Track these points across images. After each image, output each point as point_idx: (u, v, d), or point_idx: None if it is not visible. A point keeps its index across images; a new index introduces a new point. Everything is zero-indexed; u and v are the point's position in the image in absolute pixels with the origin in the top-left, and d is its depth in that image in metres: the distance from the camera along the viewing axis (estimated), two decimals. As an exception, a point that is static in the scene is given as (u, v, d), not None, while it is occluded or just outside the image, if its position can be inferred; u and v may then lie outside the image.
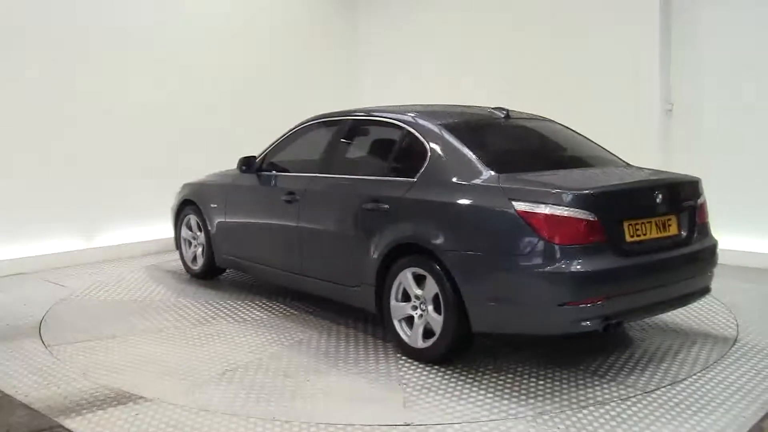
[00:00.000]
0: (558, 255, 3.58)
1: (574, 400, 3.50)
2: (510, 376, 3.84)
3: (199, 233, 6.21)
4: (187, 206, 6.37)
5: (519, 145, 4.78)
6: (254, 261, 5.55)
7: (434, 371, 3.92)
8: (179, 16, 8.00)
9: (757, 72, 6.66)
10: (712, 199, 6.93)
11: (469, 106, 5.18)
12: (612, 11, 7.61)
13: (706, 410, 3.35)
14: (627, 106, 7.51)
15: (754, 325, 4.72)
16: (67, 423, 3.26)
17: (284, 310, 5.27)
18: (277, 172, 5.40)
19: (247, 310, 5.27)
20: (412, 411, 3.40)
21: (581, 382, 3.75)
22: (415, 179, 4.22)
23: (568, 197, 3.63)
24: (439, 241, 3.93)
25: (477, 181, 3.95)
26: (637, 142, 7.44)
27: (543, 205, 3.62)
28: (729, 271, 6.46)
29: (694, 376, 3.80)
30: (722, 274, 6.28)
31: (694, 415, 3.29)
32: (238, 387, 3.70)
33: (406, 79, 9.46)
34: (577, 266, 3.57)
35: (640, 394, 3.56)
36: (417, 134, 4.39)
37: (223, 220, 5.86)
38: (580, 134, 5.00)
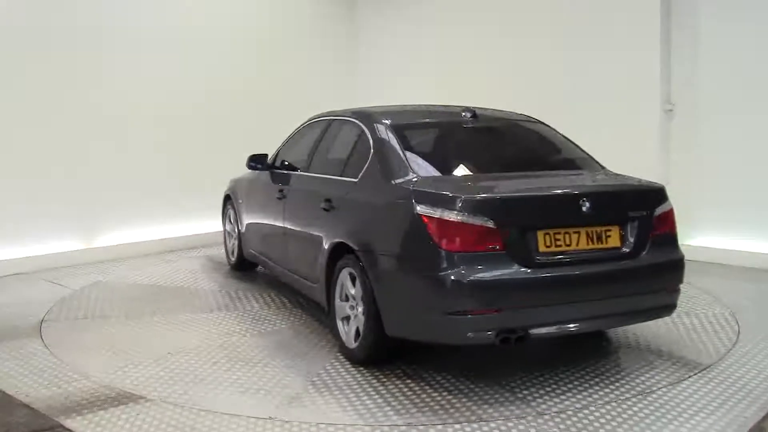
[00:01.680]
0: (448, 262, 3.43)
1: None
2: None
3: (236, 227, 6.52)
4: (228, 201, 6.77)
5: (469, 148, 4.54)
6: (264, 255, 5.79)
7: (349, 370, 3.95)
8: (179, 18, 7.99)
9: (757, 72, 6.66)
10: (713, 199, 7.02)
11: (445, 106, 5.03)
12: (612, 12, 7.61)
13: (707, 410, 3.35)
14: (627, 106, 7.51)
15: (754, 325, 4.72)
16: (68, 423, 3.26)
17: (280, 303, 5.37)
18: (280, 169, 5.54)
19: (248, 305, 5.30)
20: (289, 407, 3.44)
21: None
22: (357, 179, 4.28)
23: (461, 202, 3.48)
24: (361, 242, 3.96)
25: (397, 183, 3.91)
26: (637, 142, 7.44)
27: (438, 210, 3.51)
28: (729, 271, 6.49)
29: (694, 376, 3.80)
30: (722, 274, 6.35)
31: (695, 416, 3.29)
32: (169, 371, 3.90)
33: (406, 79, 9.45)
34: (466, 275, 3.40)
35: (641, 395, 3.56)
36: (367, 134, 4.40)
37: (245, 214, 6.19)
38: (562, 135, 4.80)
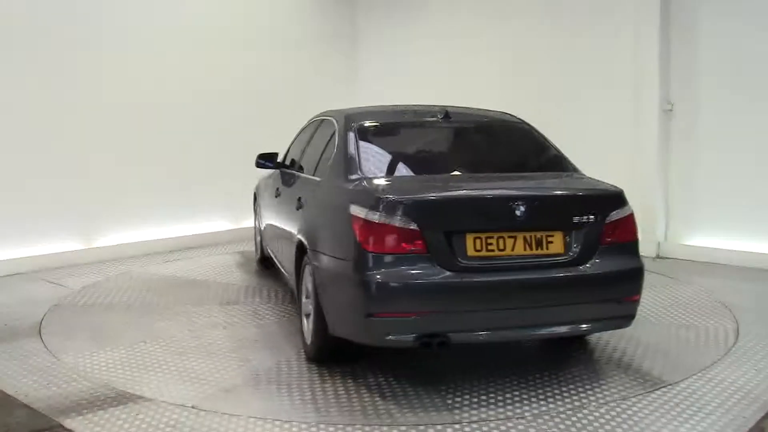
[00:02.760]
0: (370, 263, 3.39)
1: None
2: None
3: (258, 224, 6.76)
4: (255, 199, 6.98)
5: (430, 149, 4.52)
6: (271, 252, 5.94)
7: (299, 367, 4.00)
8: (179, 17, 8.00)
9: (757, 72, 6.66)
10: (712, 199, 7.02)
11: (428, 107, 4.87)
12: (612, 11, 7.61)
13: (706, 410, 3.35)
14: (627, 106, 7.51)
15: (754, 325, 4.72)
16: (67, 423, 3.26)
17: (282, 299, 5.39)
18: (283, 167, 5.59)
19: (250, 300, 5.33)
20: (215, 398, 3.55)
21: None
22: (320, 179, 4.34)
23: (384, 204, 3.44)
24: (311, 240, 4.02)
25: (341, 183, 3.93)
26: (636, 142, 7.45)
27: (364, 210, 3.47)
28: (729, 271, 6.50)
29: (694, 377, 3.80)
30: (722, 274, 6.36)
31: (694, 416, 3.29)
32: (131, 357, 3.97)
33: (406, 78, 9.46)
34: (384, 277, 3.36)
35: (640, 395, 3.55)
36: (336, 134, 4.43)
37: (263, 212, 6.39)
38: (539, 137, 4.56)
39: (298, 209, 4.45)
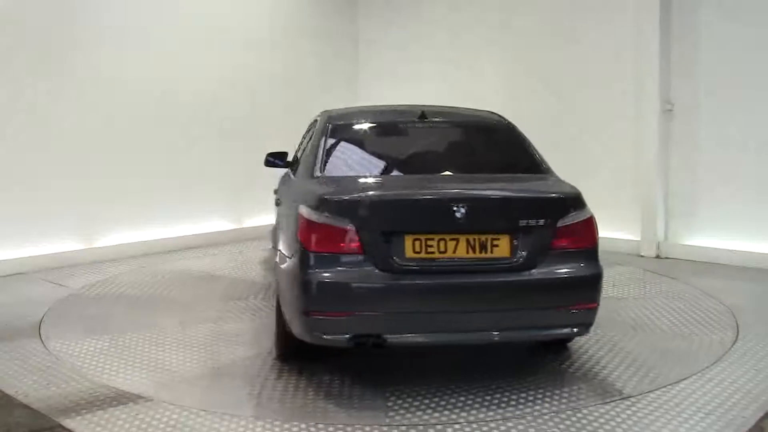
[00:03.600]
0: (308, 261, 3.42)
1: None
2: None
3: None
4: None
5: (397, 149, 4.50)
6: None
7: (260, 362, 4.07)
8: (179, 16, 8.00)
9: (757, 72, 6.66)
10: (712, 199, 7.03)
11: (410, 107, 4.81)
12: (612, 11, 7.62)
13: (706, 410, 3.35)
14: (627, 106, 7.52)
15: (754, 326, 4.72)
16: (67, 423, 3.26)
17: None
18: (285, 166, 5.59)
19: (252, 297, 5.33)
20: (164, 388, 3.69)
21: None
22: (295, 178, 4.42)
23: (322, 203, 3.47)
24: (274, 238, 4.13)
25: (304, 182, 3.98)
26: (637, 142, 7.45)
27: (307, 210, 3.51)
28: (729, 271, 6.50)
29: (694, 376, 3.80)
30: (722, 274, 6.35)
31: (694, 415, 3.29)
32: (109, 346, 3.99)
33: (405, 78, 9.46)
34: (320, 276, 3.37)
35: (640, 395, 3.55)
36: (314, 133, 4.49)
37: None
38: (519, 138, 4.45)
39: (277, 207, 4.58)
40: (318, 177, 3.94)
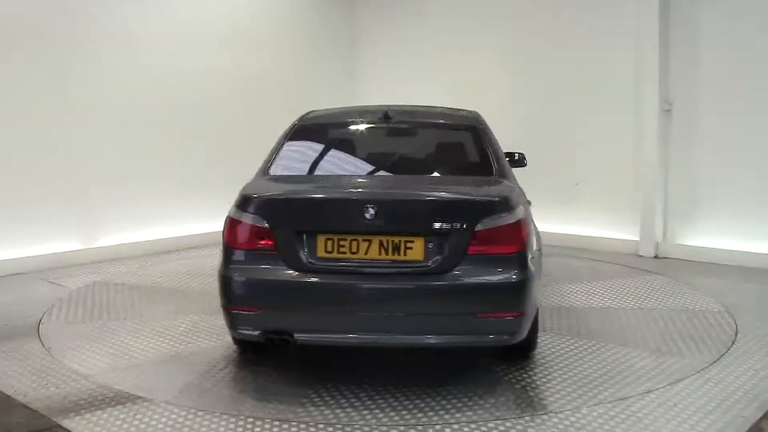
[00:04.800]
0: (228, 258, 3.56)
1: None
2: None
3: None
4: None
5: (352, 149, 4.49)
6: None
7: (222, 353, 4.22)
8: (179, 19, 8.00)
9: (756, 72, 6.66)
10: (712, 199, 7.02)
11: (388, 107, 4.72)
12: (611, 12, 7.62)
13: (705, 410, 3.35)
14: (626, 106, 7.52)
15: (754, 326, 4.72)
16: (66, 423, 3.26)
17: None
18: None
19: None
20: (118, 372, 3.87)
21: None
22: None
23: (241, 201, 3.59)
24: None
25: (250, 181, 4.05)
26: (636, 142, 7.45)
27: (231, 207, 3.64)
28: (729, 271, 6.50)
29: (693, 376, 3.80)
30: (722, 274, 6.35)
31: (693, 415, 3.29)
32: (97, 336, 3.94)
33: (405, 78, 9.46)
34: (235, 272, 3.51)
35: (639, 394, 3.55)
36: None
37: None
38: (483, 141, 4.32)
39: None
40: (264, 176, 4.07)
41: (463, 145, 4.42)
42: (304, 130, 4.48)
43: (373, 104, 5.41)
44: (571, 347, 4.31)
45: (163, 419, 3.30)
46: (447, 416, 3.31)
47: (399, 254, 3.41)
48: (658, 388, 3.63)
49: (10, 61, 6.61)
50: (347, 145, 4.52)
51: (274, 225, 3.47)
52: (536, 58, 8.26)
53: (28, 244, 6.77)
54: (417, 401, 3.48)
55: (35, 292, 5.86)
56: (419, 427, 3.20)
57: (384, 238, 3.41)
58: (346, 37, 10.07)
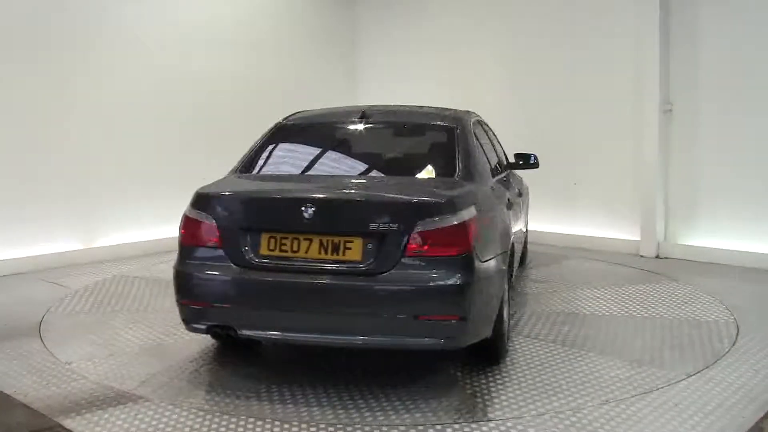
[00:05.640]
0: (180, 253, 3.72)
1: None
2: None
3: None
4: None
5: (322, 149, 4.50)
6: None
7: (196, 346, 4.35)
8: (179, 19, 8.01)
9: (756, 72, 6.66)
10: (712, 199, 7.03)
11: (359, 107, 4.84)
12: (611, 12, 7.62)
13: (706, 410, 3.35)
14: (626, 106, 7.52)
15: (754, 326, 4.72)
16: (67, 423, 3.26)
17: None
18: None
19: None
20: (91, 361, 3.86)
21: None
22: None
23: (193, 198, 3.74)
24: None
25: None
26: (636, 142, 7.45)
27: (187, 205, 3.77)
28: (729, 271, 6.50)
29: (694, 376, 3.80)
30: (722, 274, 6.36)
31: (694, 415, 3.29)
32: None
33: (405, 78, 9.46)
34: (185, 267, 3.65)
35: (639, 394, 3.55)
36: None
37: None
38: (457, 142, 4.20)
39: None
40: (232, 175, 4.21)
41: (434, 146, 4.43)
42: (281, 130, 4.57)
43: (367, 104, 5.41)
44: (549, 354, 4.18)
45: (164, 419, 3.30)
46: (381, 417, 3.30)
47: (338, 254, 3.43)
48: (658, 388, 3.62)
49: (10, 61, 6.60)
50: (318, 145, 4.55)
51: (221, 222, 3.58)
52: (536, 57, 8.26)
53: (28, 244, 6.77)
54: (360, 401, 3.49)
55: (35, 292, 5.86)
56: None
57: (324, 238, 3.45)
58: (346, 37, 10.08)
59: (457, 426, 3.21)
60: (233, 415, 3.33)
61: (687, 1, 7.06)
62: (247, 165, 4.28)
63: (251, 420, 3.28)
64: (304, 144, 4.58)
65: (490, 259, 3.62)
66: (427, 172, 4.11)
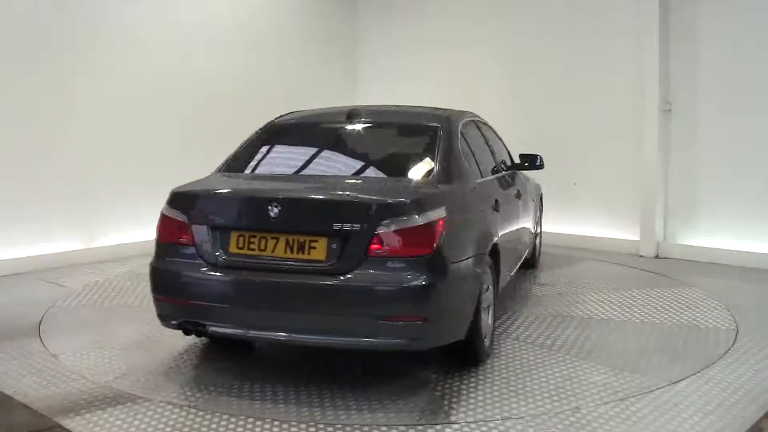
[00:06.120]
0: (156, 250, 3.83)
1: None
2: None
3: None
4: None
5: (300, 149, 4.52)
6: None
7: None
8: (179, 19, 8.00)
9: (756, 71, 6.67)
10: (712, 199, 7.03)
11: (349, 108, 4.79)
12: (611, 12, 7.62)
13: (706, 410, 3.35)
14: (626, 106, 7.53)
15: (754, 326, 4.73)
16: (67, 423, 3.26)
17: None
18: None
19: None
20: (75, 354, 3.76)
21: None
22: None
23: (169, 197, 3.86)
24: None
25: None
26: (636, 142, 7.46)
27: (164, 203, 3.88)
28: (729, 271, 6.50)
29: (693, 376, 3.80)
30: (722, 274, 6.36)
31: (694, 415, 3.29)
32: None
33: (405, 79, 9.47)
34: (159, 264, 3.77)
35: (639, 394, 3.55)
36: None
37: None
38: (435, 143, 4.15)
39: None
40: (215, 174, 4.30)
41: (415, 146, 4.36)
42: (268, 130, 4.63)
43: (365, 104, 5.43)
44: (532, 358, 4.11)
45: (164, 419, 3.30)
46: (344, 416, 3.30)
47: (303, 253, 3.46)
48: (657, 388, 3.62)
49: (10, 61, 6.60)
50: (301, 145, 4.58)
51: (194, 221, 3.66)
52: (536, 57, 8.26)
53: (28, 244, 6.77)
54: (327, 400, 3.51)
55: (35, 292, 5.86)
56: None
57: (290, 237, 3.49)
58: (347, 37, 10.07)
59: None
60: (232, 415, 3.33)
61: (687, 1, 7.07)
62: (231, 164, 4.36)
63: (250, 420, 3.28)
64: (288, 144, 4.62)
65: (462, 261, 3.60)
66: (403, 173, 4.04)
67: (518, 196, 5.35)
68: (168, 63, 7.85)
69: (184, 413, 3.37)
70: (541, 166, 5.57)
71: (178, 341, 4.49)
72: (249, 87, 8.67)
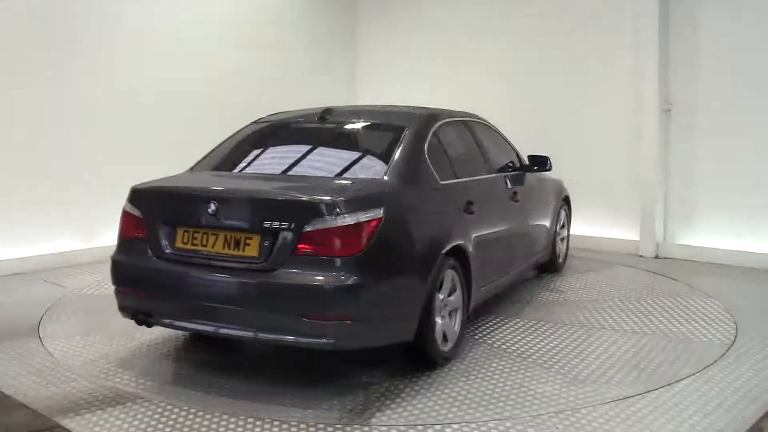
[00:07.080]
0: (118, 244, 4.02)
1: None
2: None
3: None
4: None
5: (268, 148, 4.65)
6: None
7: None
8: (179, 19, 7.99)
9: (756, 71, 6.67)
10: (711, 199, 7.02)
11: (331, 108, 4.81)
12: (611, 11, 7.62)
13: (705, 410, 3.35)
14: (626, 106, 7.53)
15: (754, 326, 4.72)
16: (66, 423, 3.26)
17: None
18: None
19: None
20: (65, 345, 3.72)
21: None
22: None
23: (130, 193, 4.01)
24: None
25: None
26: (636, 142, 7.46)
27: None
28: (729, 271, 6.50)
29: (693, 376, 3.80)
30: (722, 275, 6.36)
31: (693, 415, 3.29)
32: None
33: (405, 79, 9.46)
34: (116, 257, 3.97)
35: (639, 395, 3.55)
36: None
37: None
38: (406, 143, 4.12)
39: None
40: (186, 171, 4.49)
41: (376, 146, 4.36)
42: (248, 129, 4.83)
43: (362, 104, 5.44)
44: (496, 366, 3.97)
45: (164, 419, 3.30)
46: (277, 413, 3.33)
47: (239, 250, 3.58)
48: (657, 388, 3.62)
49: (10, 61, 6.60)
50: (267, 144, 4.73)
51: (147, 216, 3.85)
52: (536, 57, 8.26)
53: (29, 244, 6.77)
54: (264, 396, 3.56)
55: (36, 292, 5.86)
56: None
57: (229, 234, 3.61)
58: (347, 38, 10.07)
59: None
60: (232, 415, 3.33)
61: (687, 1, 7.06)
62: (202, 161, 4.56)
63: (250, 420, 3.28)
64: (256, 144, 4.72)
65: (402, 262, 3.61)
66: (353, 172, 4.01)
67: (513, 197, 5.19)
68: (168, 63, 7.84)
69: (184, 413, 3.37)
70: (549, 168, 5.57)
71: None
72: (249, 87, 8.66)
